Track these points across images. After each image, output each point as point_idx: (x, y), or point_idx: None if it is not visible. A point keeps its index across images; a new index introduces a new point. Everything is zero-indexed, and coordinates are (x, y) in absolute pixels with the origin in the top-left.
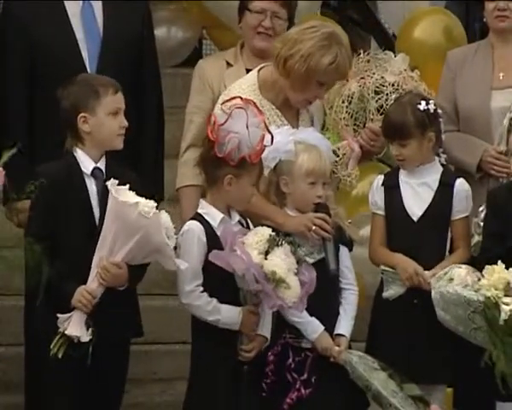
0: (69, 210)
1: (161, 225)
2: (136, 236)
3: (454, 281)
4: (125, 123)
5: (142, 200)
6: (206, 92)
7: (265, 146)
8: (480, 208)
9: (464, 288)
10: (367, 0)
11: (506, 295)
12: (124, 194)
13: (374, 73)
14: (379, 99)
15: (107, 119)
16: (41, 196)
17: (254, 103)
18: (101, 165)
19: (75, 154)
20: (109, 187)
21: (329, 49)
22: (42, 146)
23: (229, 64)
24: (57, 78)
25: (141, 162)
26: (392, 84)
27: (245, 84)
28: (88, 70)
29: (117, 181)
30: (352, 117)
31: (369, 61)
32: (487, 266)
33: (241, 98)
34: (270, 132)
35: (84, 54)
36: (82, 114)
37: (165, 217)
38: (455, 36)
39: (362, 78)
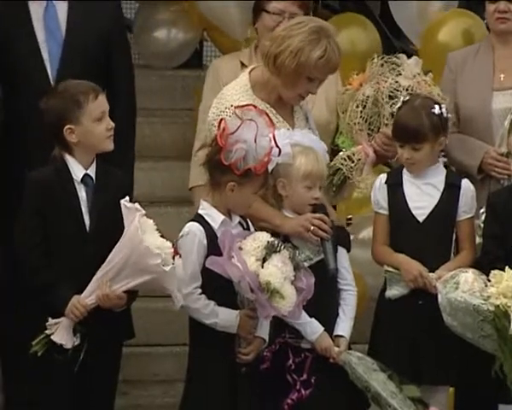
0: (59, 216)
1: (176, 278)
2: (147, 277)
3: (461, 287)
4: (112, 124)
5: (163, 245)
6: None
7: (272, 158)
8: (481, 210)
9: (472, 295)
10: (367, 0)
11: None
12: (149, 229)
13: (388, 78)
14: (393, 104)
15: (93, 125)
16: (31, 202)
17: (267, 114)
18: (91, 171)
19: (65, 159)
20: (137, 219)
21: (318, 43)
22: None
23: (243, 64)
24: (19, 79)
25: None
26: (406, 89)
27: (237, 86)
28: (48, 72)
29: (143, 211)
30: (366, 122)
31: (382, 65)
32: (494, 272)
33: (255, 107)
34: (277, 146)
35: (45, 55)
36: (67, 126)
37: (180, 267)
38: (478, 39)
39: (376, 82)
